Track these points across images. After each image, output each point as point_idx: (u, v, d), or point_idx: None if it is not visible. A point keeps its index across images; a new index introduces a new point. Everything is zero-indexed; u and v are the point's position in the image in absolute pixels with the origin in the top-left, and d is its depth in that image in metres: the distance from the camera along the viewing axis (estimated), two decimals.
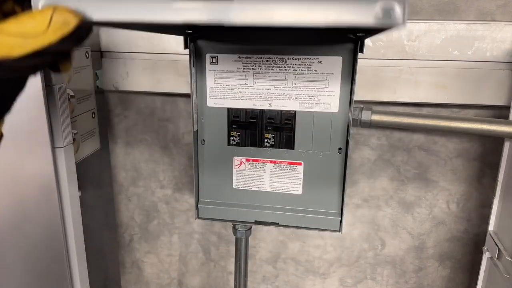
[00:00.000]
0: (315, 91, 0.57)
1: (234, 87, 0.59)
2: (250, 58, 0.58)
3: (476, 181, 0.87)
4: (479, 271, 0.76)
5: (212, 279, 1.08)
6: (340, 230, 0.61)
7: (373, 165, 0.90)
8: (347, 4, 0.27)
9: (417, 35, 0.75)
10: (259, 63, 0.58)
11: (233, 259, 0.72)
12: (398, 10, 0.26)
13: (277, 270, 1.03)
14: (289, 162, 0.61)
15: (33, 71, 0.28)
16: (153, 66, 0.86)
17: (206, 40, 0.58)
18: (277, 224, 0.63)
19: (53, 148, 0.63)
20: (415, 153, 0.87)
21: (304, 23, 0.28)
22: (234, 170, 0.63)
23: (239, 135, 0.60)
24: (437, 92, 0.77)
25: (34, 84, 0.59)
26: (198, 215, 0.65)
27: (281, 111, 0.59)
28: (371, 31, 0.47)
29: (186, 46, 0.55)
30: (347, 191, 0.76)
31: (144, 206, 1.04)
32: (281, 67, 0.57)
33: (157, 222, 1.05)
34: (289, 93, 0.58)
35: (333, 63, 0.56)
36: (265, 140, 0.60)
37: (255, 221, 0.64)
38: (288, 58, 0.57)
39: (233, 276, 0.81)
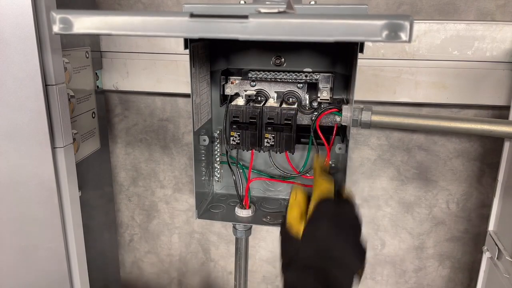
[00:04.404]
0: None
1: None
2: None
3: (476, 181, 0.87)
4: (479, 271, 0.76)
5: (212, 279, 1.08)
6: None
7: (373, 165, 0.90)
8: (358, 22, 0.28)
9: (417, 35, 0.75)
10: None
11: (233, 259, 0.72)
12: (405, 29, 0.28)
13: (277, 270, 1.03)
14: None
15: None
16: (153, 66, 0.86)
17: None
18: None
19: (53, 148, 0.63)
20: (415, 153, 0.87)
21: (315, 39, 0.29)
22: None
23: (239, 135, 0.60)
24: (437, 92, 0.77)
25: (34, 84, 0.59)
26: (198, 215, 0.65)
27: (281, 110, 0.59)
28: None
29: (186, 47, 0.55)
30: None
31: (144, 206, 1.04)
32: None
33: (157, 222, 1.05)
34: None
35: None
36: (265, 140, 0.60)
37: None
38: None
39: (233, 276, 0.81)
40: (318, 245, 0.44)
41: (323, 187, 0.48)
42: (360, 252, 0.46)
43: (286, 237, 0.47)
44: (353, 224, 0.47)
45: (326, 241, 0.44)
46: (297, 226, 0.46)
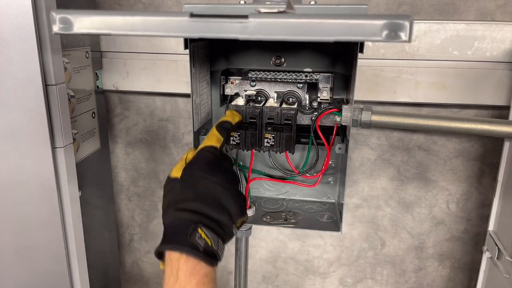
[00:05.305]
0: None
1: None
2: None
3: (476, 181, 0.87)
4: (479, 271, 0.76)
5: None
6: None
7: (373, 165, 0.90)
8: (358, 22, 0.28)
9: (417, 35, 0.75)
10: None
11: (233, 259, 0.72)
12: (405, 29, 0.28)
13: (277, 270, 1.03)
14: None
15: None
16: (153, 66, 0.86)
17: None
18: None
19: (53, 148, 0.63)
20: (415, 153, 0.87)
21: (315, 39, 0.29)
22: None
23: (239, 135, 0.60)
24: (437, 92, 0.77)
25: (34, 84, 0.59)
26: None
27: (281, 110, 0.59)
28: None
29: (186, 47, 0.55)
30: (347, 191, 0.76)
31: (144, 206, 1.04)
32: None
33: (157, 222, 1.05)
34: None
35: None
36: (265, 140, 0.60)
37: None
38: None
39: (233, 276, 0.81)
40: (194, 183, 0.46)
41: (210, 139, 0.50)
42: (237, 198, 0.47)
43: (167, 182, 0.49)
44: (230, 174, 0.49)
45: (201, 179, 0.46)
46: (179, 171, 0.48)
